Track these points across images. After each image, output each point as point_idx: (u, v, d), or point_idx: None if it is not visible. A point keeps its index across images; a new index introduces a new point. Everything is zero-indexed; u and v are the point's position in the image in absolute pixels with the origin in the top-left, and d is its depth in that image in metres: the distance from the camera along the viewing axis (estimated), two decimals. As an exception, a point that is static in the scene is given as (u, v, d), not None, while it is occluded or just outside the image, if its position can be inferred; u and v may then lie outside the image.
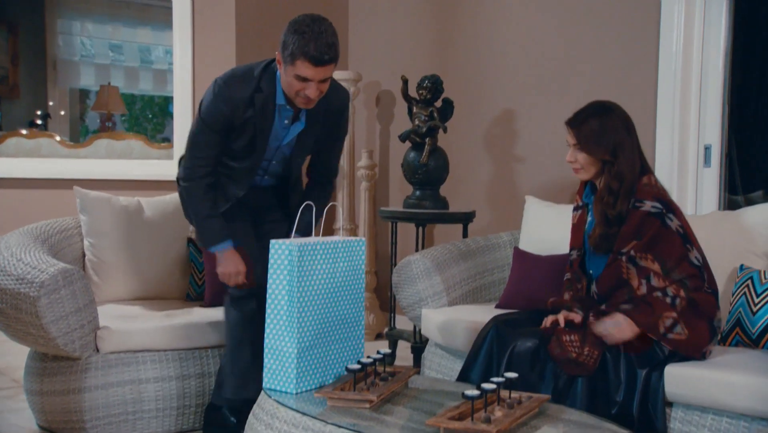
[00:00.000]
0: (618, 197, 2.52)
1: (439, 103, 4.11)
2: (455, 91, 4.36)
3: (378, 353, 2.41)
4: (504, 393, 2.13)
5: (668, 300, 2.41)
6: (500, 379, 2.10)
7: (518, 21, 4.36)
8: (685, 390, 2.34)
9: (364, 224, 5.01)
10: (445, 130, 4.06)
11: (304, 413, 2.14)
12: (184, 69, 4.89)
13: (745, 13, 3.59)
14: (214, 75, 4.83)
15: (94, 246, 3.43)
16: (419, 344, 3.89)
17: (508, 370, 2.44)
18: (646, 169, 2.59)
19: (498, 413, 2.04)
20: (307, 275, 2.35)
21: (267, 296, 2.38)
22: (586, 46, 4.06)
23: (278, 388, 2.35)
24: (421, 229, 4.15)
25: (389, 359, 2.48)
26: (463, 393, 1.98)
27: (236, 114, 2.72)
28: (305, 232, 2.68)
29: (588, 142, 2.56)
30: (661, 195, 2.52)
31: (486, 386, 2.02)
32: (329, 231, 5.26)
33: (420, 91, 4.07)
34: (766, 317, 2.60)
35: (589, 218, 2.68)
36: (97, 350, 2.96)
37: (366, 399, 2.18)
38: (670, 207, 2.50)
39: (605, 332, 2.42)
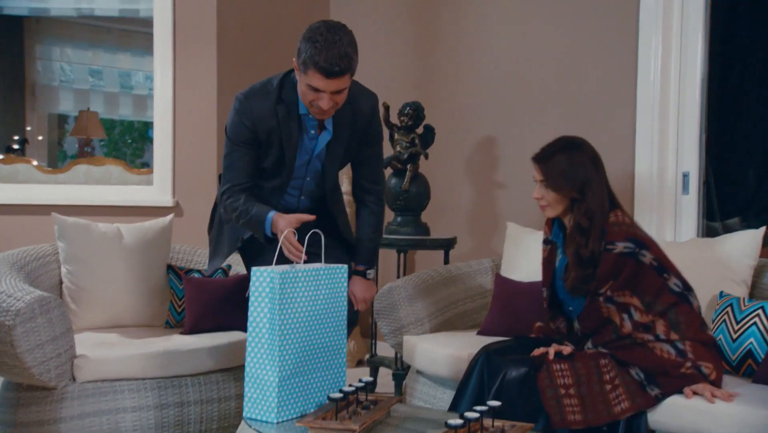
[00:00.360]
0: (589, 236, 2.48)
1: (420, 130, 4.13)
2: (436, 117, 4.38)
3: (360, 381, 2.39)
4: (487, 422, 2.12)
5: (673, 352, 2.38)
6: (483, 407, 2.08)
7: (500, 49, 4.40)
8: (668, 419, 2.33)
9: (345, 250, 4.99)
10: (426, 157, 4.08)
11: (285, 443, 2.12)
12: (164, 94, 4.87)
13: (720, 44, 3.65)
14: (196, 100, 4.87)
15: (72, 273, 3.39)
16: (401, 371, 3.86)
17: (498, 398, 2.40)
18: (614, 204, 2.55)
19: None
20: (289, 302, 2.33)
21: (248, 323, 2.35)
22: (566, 74, 4.11)
23: (259, 417, 2.32)
24: (402, 255, 4.15)
25: (371, 386, 2.46)
26: (446, 422, 1.97)
27: (259, 127, 2.64)
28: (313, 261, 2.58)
29: (555, 179, 2.52)
30: (631, 233, 2.47)
31: (469, 414, 2.01)
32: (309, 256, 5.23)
33: (401, 118, 4.08)
34: (746, 344, 2.61)
35: (559, 256, 2.65)
36: (74, 379, 2.91)
37: (348, 428, 2.16)
38: (642, 243, 2.46)
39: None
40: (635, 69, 3.79)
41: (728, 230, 3.95)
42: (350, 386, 2.35)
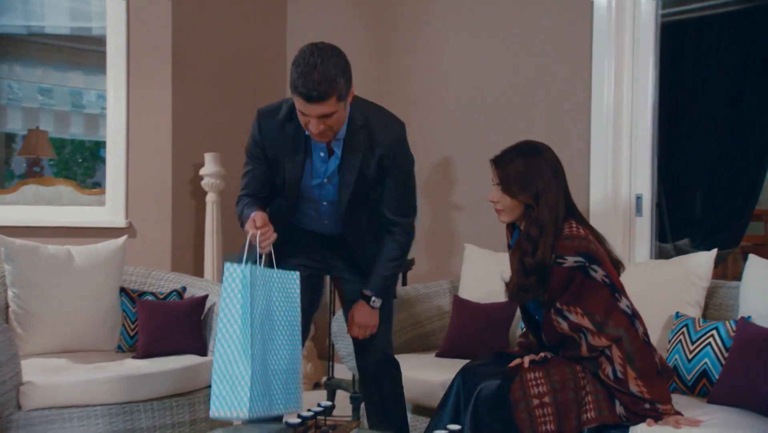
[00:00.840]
0: (537, 246, 2.42)
1: (378, 152, 4.11)
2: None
3: (318, 405, 2.35)
4: (448, 446, 2.10)
5: (628, 397, 2.36)
6: (444, 432, 2.06)
7: (455, 71, 4.43)
8: None
9: (302, 272, 4.95)
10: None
11: (242, 471, 2.06)
12: (118, 114, 4.80)
13: (670, 71, 3.73)
14: (150, 120, 4.80)
15: (19, 297, 3.29)
16: (358, 394, 3.82)
17: (474, 414, 2.39)
18: (572, 213, 2.50)
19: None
20: (255, 298, 2.29)
21: (219, 320, 2.28)
22: (521, 98, 4.15)
23: (228, 414, 2.25)
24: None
25: (329, 410, 2.42)
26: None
27: (267, 144, 2.60)
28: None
29: (511, 184, 2.48)
30: (582, 247, 2.39)
31: (305, 414, 2.00)
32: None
33: (359, 139, 4.07)
34: (701, 364, 2.64)
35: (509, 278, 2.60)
36: (19, 408, 2.81)
37: (307, 455, 2.12)
38: (593, 258, 2.39)
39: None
40: (589, 93, 3.85)
41: (680, 251, 4.02)
42: (308, 410, 2.31)
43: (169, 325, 3.33)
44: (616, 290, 2.43)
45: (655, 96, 3.71)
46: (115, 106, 4.81)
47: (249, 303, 2.26)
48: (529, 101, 4.12)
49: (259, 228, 2.42)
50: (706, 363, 2.63)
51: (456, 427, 2.10)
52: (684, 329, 2.73)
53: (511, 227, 2.65)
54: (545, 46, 4.06)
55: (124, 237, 3.67)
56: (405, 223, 2.71)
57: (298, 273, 2.48)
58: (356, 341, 2.76)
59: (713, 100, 3.60)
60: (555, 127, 4.01)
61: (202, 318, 3.42)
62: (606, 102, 3.78)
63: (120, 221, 4.83)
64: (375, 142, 2.55)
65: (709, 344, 2.64)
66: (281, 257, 2.60)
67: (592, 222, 3.78)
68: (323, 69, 2.32)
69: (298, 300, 2.47)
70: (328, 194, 2.64)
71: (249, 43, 5.23)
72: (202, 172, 4.75)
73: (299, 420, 2.23)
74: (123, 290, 3.53)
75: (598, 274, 2.40)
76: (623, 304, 2.42)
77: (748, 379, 2.43)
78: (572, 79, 3.94)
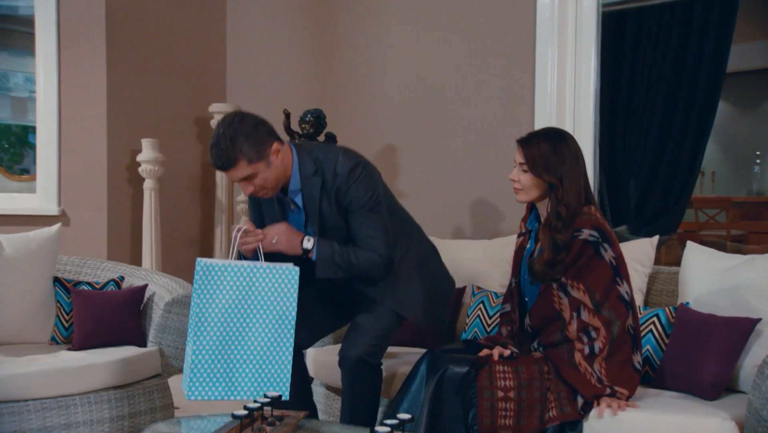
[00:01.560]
0: (566, 225, 2.47)
1: (322, 138, 4.07)
2: (338, 125, 4.34)
3: (265, 396, 2.31)
4: (398, 435, 2.08)
5: (594, 378, 2.38)
6: (393, 421, 2.04)
7: (399, 58, 4.40)
8: (599, 430, 2.32)
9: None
10: (328, 166, 4.02)
11: (186, 466, 2.01)
12: (48, 97, 4.63)
13: (611, 60, 3.78)
14: (84, 104, 4.64)
15: (-54, 287, 3.14)
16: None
17: (436, 395, 2.40)
18: (589, 200, 2.55)
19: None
20: (214, 292, 2.45)
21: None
22: (465, 86, 4.15)
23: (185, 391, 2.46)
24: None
25: (278, 401, 2.38)
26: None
27: (253, 200, 2.85)
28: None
29: (536, 163, 2.52)
30: (599, 224, 2.47)
31: (379, 429, 1.96)
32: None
33: (302, 126, 4.01)
34: (643, 351, 2.68)
35: (528, 245, 2.64)
36: (-52, 403, 2.69)
37: (253, 448, 2.07)
38: (607, 237, 2.47)
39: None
40: (533, 81, 3.87)
41: (618, 238, 4.08)
42: (254, 401, 2.26)
43: (107, 315, 3.23)
44: (620, 274, 2.46)
45: (596, 84, 3.76)
46: (46, 90, 4.64)
47: (205, 295, 2.43)
48: (472, 89, 4.12)
49: (240, 228, 2.56)
50: (648, 350, 2.67)
51: (406, 416, 2.08)
52: (626, 315, 2.75)
53: (528, 212, 2.71)
54: (489, 34, 4.06)
55: (58, 225, 3.54)
56: (378, 253, 2.67)
57: (297, 269, 2.47)
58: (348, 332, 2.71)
59: (653, 90, 3.66)
60: (498, 115, 4.02)
61: (141, 308, 3.32)
62: (549, 90, 3.81)
63: (52, 209, 4.67)
64: (327, 185, 2.64)
65: (651, 331, 2.69)
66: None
67: None
68: (224, 138, 2.50)
69: (295, 295, 2.47)
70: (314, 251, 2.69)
71: (187, 24, 5.09)
72: (139, 158, 4.62)
73: (245, 412, 2.18)
74: (57, 280, 3.41)
75: (607, 254, 2.45)
76: (623, 289, 2.45)
77: (688, 364, 2.48)
78: (516, 67, 3.95)
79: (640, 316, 2.74)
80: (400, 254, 2.78)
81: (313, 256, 2.62)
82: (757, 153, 9.39)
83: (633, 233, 4.07)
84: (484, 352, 2.52)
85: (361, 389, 2.57)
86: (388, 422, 2.03)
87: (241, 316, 2.45)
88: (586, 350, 2.41)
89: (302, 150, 2.69)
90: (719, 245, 7.56)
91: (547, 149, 2.53)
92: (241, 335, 2.46)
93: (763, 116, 9.47)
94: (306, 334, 2.82)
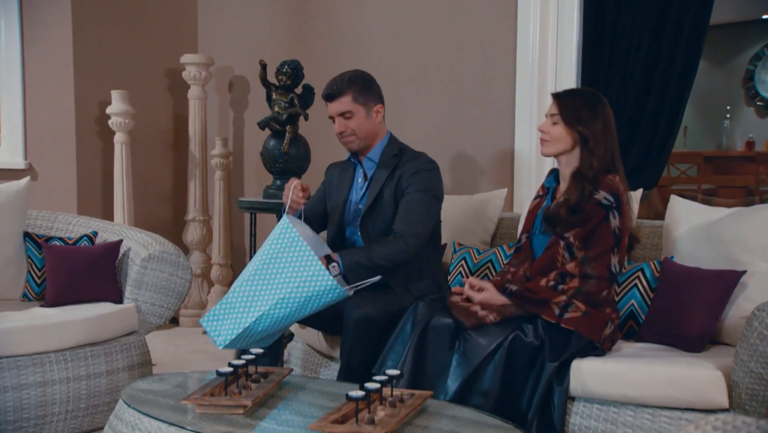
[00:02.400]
0: (592, 174, 2.48)
1: (299, 90, 3.98)
2: (315, 77, 4.23)
3: (250, 352, 2.27)
4: (386, 391, 2.06)
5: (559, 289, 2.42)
6: (383, 377, 2.02)
7: (377, 6, 4.30)
8: (588, 384, 2.32)
9: (219, 215, 4.79)
10: (306, 118, 3.94)
11: (171, 423, 1.96)
12: (11, 46, 4.52)
13: (594, 11, 3.70)
14: (48, 53, 4.49)
15: None
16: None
17: (420, 345, 2.40)
18: (615, 169, 2.54)
19: (381, 412, 1.96)
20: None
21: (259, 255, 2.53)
22: (446, 37, 4.07)
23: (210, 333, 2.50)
24: (281, 220, 4.00)
25: (262, 359, 2.34)
26: (347, 394, 1.88)
27: (328, 175, 3.05)
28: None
29: (569, 112, 2.52)
30: (617, 191, 2.47)
31: (369, 385, 1.93)
32: (182, 223, 5.00)
33: (279, 77, 3.91)
34: (627, 305, 2.68)
35: (545, 203, 2.64)
36: None
37: (239, 404, 2.03)
38: (620, 205, 2.46)
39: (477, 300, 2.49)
40: (515, 32, 3.80)
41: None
42: (240, 358, 2.22)
43: (81, 271, 3.15)
44: (618, 246, 2.46)
45: (579, 36, 3.70)
46: (7, 38, 4.48)
47: (275, 253, 2.49)
48: (452, 40, 4.04)
49: (296, 184, 2.70)
50: (633, 305, 2.67)
51: (395, 372, 2.06)
52: (610, 269, 2.75)
53: (550, 173, 2.72)
54: (470, -17, 3.97)
55: (27, 178, 3.43)
56: (407, 234, 2.72)
57: (287, 223, 2.53)
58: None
59: (635, 42, 3.60)
60: (479, 68, 3.95)
61: (116, 264, 3.24)
62: (531, 41, 3.74)
63: (19, 162, 4.55)
64: (400, 170, 2.83)
65: (636, 285, 2.68)
66: None
67: (518, 163, 3.80)
68: (343, 75, 2.85)
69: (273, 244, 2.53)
70: (356, 223, 2.87)
71: (157, -28, 4.92)
72: (109, 110, 4.49)
73: (230, 369, 2.13)
74: (27, 235, 3.31)
75: (614, 222, 2.45)
76: (614, 261, 2.45)
77: (673, 318, 2.48)
78: (497, 18, 3.88)
79: (624, 270, 2.74)
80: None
81: (341, 268, 2.67)
82: (728, 108, 9.46)
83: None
84: (457, 289, 2.59)
85: (361, 349, 2.53)
86: (377, 378, 2.00)
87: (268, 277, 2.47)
88: (551, 283, 2.44)
89: (395, 137, 2.95)
90: (691, 200, 7.68)
91: (582, 104, 2.55)
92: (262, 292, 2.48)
93: (733, 71, 9.52)
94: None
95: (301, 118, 3.94)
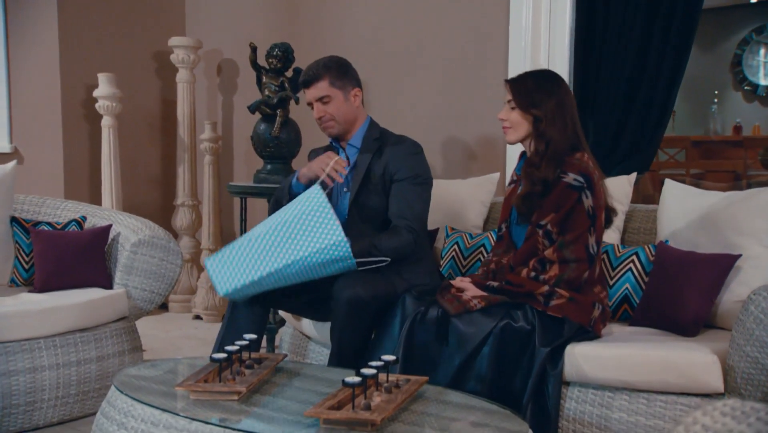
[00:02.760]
0: (543, 159, 2.46)
1: (290, 73, 3.93)
2: (306, 60, 4.17)
3: (243, 338, 2.25)
4: (382, 377, 2.04)
5: (540, 279, 2.42)
6: (379, 363, 2.00)
7: (368, -9, 4.25)
8: (582, 368, 2.31)
9: (208, 199, 4.75)
10: (297, 101, 3.89)
11: (164, 410, 1.94)
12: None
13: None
14: (34, 35, 4.42)
15: None
16: (273, 325, 3.73)
17: (409, 337, 2.38)
18: (580, 147, 2.51)
19: (377, 398, 1.95)
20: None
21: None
22: (437, 19, 4.03)
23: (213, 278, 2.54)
24: (272, 204, 3.97)
25: (255, 345, 2.32)
26: (343, 380, 1.86)
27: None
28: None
29: (522, 97, 2.51)
30: (586, 171, 2.44)
31: (366, 371, 1.92)
32: (171, 208, 4.95)
33: (270, 60, 3.86)
34: (622, 289, 2.67)
35: (519, 190, 2.60)
36: None
37: (233, 390, 2.01)
38: (591, 185, 2.44)
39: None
40: (507, 13, 3.77)
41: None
42: (234, 344, 2.20)
43: (70, 257, 3.11)
44: (594, 226, 2.44)
45: (572, 20, 3.67)
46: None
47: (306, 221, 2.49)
48: (444, 23, 4.01)
49: (336, 159, 2.67)
50: (627, 288, 2.66)
51: (391, 357, 2.04)
52: (604, 255, 2.74)
53: (520, 158, 2.69)
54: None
55: (13, 162, 3.38)
56: (406, 225, 2.72)
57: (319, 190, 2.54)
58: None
59: (628, 24, 3.58)
60: (471, 51, 3.92)
61: (105, 249, 3.21)
62: (524, 24, 3.71)
63: (4, 146, 4.50)
64: (384, 151, 2.81)
65: (630, 269, 2.68)
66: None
67: (509, 147, 3.77)
68: (318, 61, 2.84)
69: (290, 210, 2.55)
70: (346, 206, 2.81)
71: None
72: (96, 93, 4.43)
73: (224, 355, 2.11)
74: (15, 220, 3.26)
75: (587, 202, 2.43)
76: (591, 241, 2.44)
77: (668, 302, 2.48)
78: (490, 1, 3.84)
79: (619, 254, 2.73)
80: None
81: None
82: (715, 93, 9.47)
83: (607, 170, 4.04)
84: (446, 282, 2.58)
85: (351, 331, 2.51)
86: (373, 363, 1.99)
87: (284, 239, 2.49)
88: (532, 274, 2.43)
89: (374, 121, 2.92)
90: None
91: (534, 85, 2.53)
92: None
93: (721, 56, 9.52)
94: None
95: (292, 101, 3.89)
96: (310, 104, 2.84)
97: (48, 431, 2.85)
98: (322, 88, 2.79)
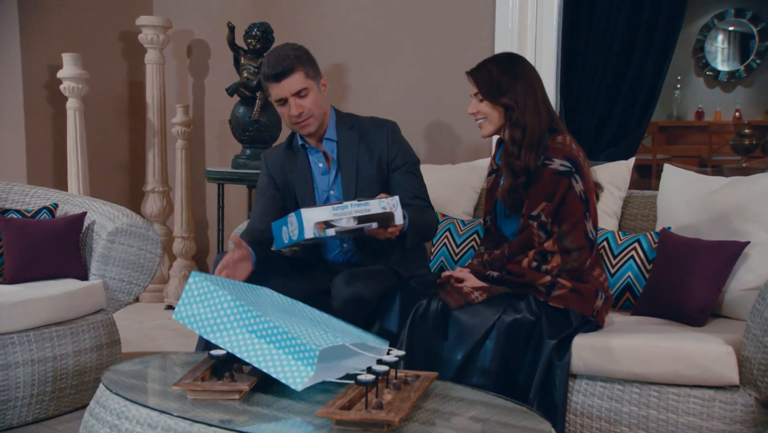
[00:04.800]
0: (521, 148, 2.36)
1: (269, 54, 3.78)
2: (286, 40, 4.02)
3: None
4: (390, 373, 1.95)
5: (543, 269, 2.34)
6: (391, 358, 1.91)
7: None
8: (590, 360, 2.25)
9: (181, 186, 4.58)
10: (277, 84, 3.75)
11: (162, 411, 1.81)
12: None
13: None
14: None
15: None
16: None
17: (411, 331, 2.29)
18: (558, 129, 2.42)
19: (387, 396, 1.85)
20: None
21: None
22: (422, 1, 3.92)
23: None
24: (252, 190, 3.83)
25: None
26: (356, 377, 1.76)
27: (275, 173, 2.72)
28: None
29: (487, 87, 2.39)
30: (571, 154, 2.36)
31: (377, 368, 1.82)
32: (140, 194, 4.78)
33: (248, 41, 3.72)
34: (624, 278, 2.62)
35: (501, 181, 2.51)
36: None
37: (235, 389, 1.90)
38: (579, 169, 2.35)
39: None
40: (493, 12, 3.67)
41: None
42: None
43: (42, 246, 2.94)
44: (588, 210, 2.37)
45: (560, 2, 3.60)
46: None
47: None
48: (429, 5, 3.90)
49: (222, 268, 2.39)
50: (629, 277, 2.60)
51: (401, 352, 1.95)
52: (604, 243, 2.68)
53: (497, 149, 2.57)
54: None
55: (-22, 147, 3.19)
56: (422, 206, 2.60)
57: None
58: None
59: (615, 7, 3.53)
60: (457, 33, 3.83)
61: (80, 238, 3.05)
62: (511, 5, 3.63)
63: (-37, 129, 4.27)
64: (369, 142, 2.63)
65: (632, 257, 2.62)
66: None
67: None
68: (285, 49, 2.56)
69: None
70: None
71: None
72: (60, 75, 4.22)
73: (223, 351, 1.99)
74: (-19, 208, 3.08)
75: (578, 186, 2.35)
76: (589, 226, 2.36)
77: (674, 290, 2.42)
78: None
79: (620, 242, 2.67)
80: None
81: (405, 226, 2.44)
82: (678, 78, 9.54)
83: (593, 157, 4.00)
84: (446, 274, 2.48)
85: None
86: (384, 359, 1.89)
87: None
88: (534, 264, 2.35)
89: (337, 109, 2.72)
90: (647, 169, 7.74)
91: (497, 71, 2.41)
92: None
93: (683, 41, 9.59)
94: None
95: (272, 83, 3.75)
96: (280, 101, 2.55)
97: (22, 431, 2.70)
98: (297, 80, 2.52)
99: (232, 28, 3.75)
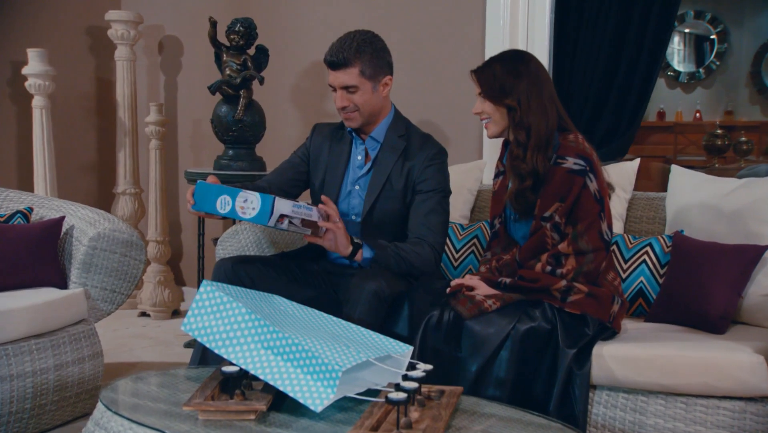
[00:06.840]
0: (527, 149, 2.27)
1: (252, 51, 3.64)
2: (270, 37, 3.90)
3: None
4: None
5: (557, 273, 2.26)
6: (420, 374, 1.79)
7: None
8: (612, 371, 2.16)
9: (155, 187, 4.39)
10: (261, 82, 3.60)
11: (172, 435, 1.68)
12: None
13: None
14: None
15: None
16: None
17: (423, 342, 2.20)
18: (567, 128, 2.34)
19: (414, 413, 1.74)
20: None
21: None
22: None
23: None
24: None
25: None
26: (386, 396, 1.65)
27: (314, 145, 2.69)
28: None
29: (491, 88, 2.31)
30: (585, 152, 2.27)
31: (407, 385, 1.70)
32: (109, 196, 4.57)
33: (231, 36, 3.56)
34: (636, 283, 2.55)
35: (509, 183, 2.41)
36: None
37: (252, 409, 1.76)
38: (593, 167, 2.27)
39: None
40: (484, 9, 3.58)
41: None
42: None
43: (18, 253, 2.75)
44: (603, 210, 2.29)
45: (552, 11, 3.53)
46: None
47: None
48: (418, 1, 3.79)
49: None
50: (642, 282, 2.53)
51: (428, 366, 1.84)
52: (614, 247, 2.61)
53: (502, 154, 2.49)
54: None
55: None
56: (431, 241, 2.49)
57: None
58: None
59: (606, 4, 3.47)
60: (446, 32, 3.73)
61: (58, 244, 2.86)
62: (503, 2, 3.54)
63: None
64: (409, 156, 2.56)
65: (644, 261, 2.55)
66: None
67: (460, 126, 3.61)
68: (351, 39, 2.47)
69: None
70: (355, 206, 2.58)
71: None
72: (25, 71, 4.00)
73: (236, 368, 1.85)
74: (-51, 212, 2.88)
75: (593, 185, 2.27)
76: (604, 227, 2.28)
77: (691, 296, 2.35)
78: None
79: (630, 245, 2.60)
80: None
81: (364, 253, 2.41)
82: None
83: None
84: (456, 282, 2.38)
85: (372, 326, 2.27)
86: (413, 375, 1.78)
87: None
88: (548, 268, 2.26)
89: (399, 113, 2.65)
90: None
91: (500, 70, 2.33)
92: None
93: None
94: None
95: (256, 82, 3.60)
96: (331, 86, 2.52)
97: (0, 452, 2.52)
98: (350, 76, 2.47)
99: (214, 24, 3.59)
